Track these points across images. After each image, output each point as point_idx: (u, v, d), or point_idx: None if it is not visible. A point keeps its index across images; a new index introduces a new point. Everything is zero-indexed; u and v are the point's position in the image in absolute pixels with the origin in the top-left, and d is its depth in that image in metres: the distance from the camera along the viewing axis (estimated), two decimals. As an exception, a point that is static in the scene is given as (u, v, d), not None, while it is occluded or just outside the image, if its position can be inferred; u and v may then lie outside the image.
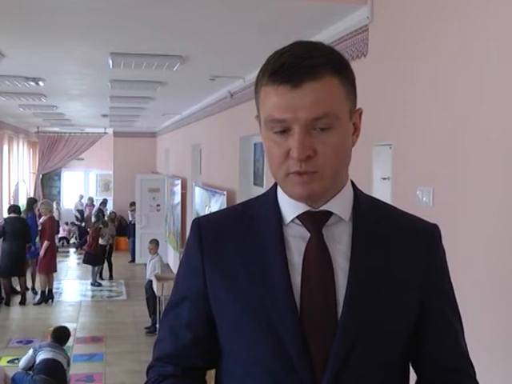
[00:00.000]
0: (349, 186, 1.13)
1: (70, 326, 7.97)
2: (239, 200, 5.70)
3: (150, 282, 7.90)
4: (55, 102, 8.50)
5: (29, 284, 9.59)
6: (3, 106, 8.89)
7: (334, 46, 1.25)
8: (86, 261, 10.91)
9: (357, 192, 1.14)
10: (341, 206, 1.10)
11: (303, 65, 0.98)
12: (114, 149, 15.64)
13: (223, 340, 1.12)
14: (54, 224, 9.95)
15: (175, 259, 10.36)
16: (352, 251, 1.07)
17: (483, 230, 2.16)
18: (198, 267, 1.12)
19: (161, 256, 8.84)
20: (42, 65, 5.30)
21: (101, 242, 10.97)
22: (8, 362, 6.50)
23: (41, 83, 6.11)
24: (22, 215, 9.77)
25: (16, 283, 9.35)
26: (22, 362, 5.06)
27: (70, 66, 5.37)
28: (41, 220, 9.80)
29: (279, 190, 1.12)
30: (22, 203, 12.10)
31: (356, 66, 2.56)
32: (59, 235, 14.54)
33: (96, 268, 10.78)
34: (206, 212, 6.89)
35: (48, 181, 17.51)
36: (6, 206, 12.12)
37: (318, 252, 1.07)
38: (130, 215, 13.72)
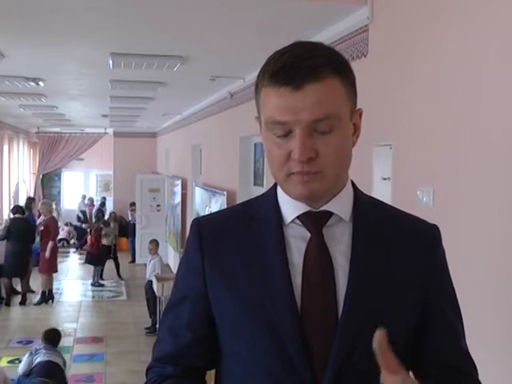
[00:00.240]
0: (349, 187, 1.13)
1: (70, 326, 8.03)
2: (239, 200, 5.69)
3: (150, 282, 7.90)
4: (55, 103, 8.50)
5: (34, 285, 9.56)
6: (3, 106, 8.89)
7: (334, 47, 1.25)
8: (89, 261, 10.90)
9: (357, 192, 1.14)
10: (341, 206, 1.10)
11: (304, 65, 0.98)
12: (114, 149, 15.64)
13: (223, 340, 1.12)
14: (56, 224, 9.96)
15: (175, 259, 10.35)
16: (352, 251, 1.07)
17: (483, 230, 2.16)
18: (197, 267, 1.12)
19: (161, 256, 8.84)
20: (42, 65, 5.30)
21: (105, 242, 10.96)
22: (8, 362, 6.50)
23: (41, 83, 6.11)
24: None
25: (16, 283, 9.35)
26: (22, 368, 5.02)
27: (70, 66, 5.37)
28: (39, 220, 9.79)
29: (279, 190, 1.12)
30: (23, 203, 12.09)
31: (356, 66, 2.56)
32: (59, 236, 14.52)
33: (97, 268, 10.77)
34: (206, 212, 6.89)
35: (48, 181, 17.52)
36: (6, 206, 12.14)
37: (318, 252, 1.07)
38: (130, 215, 13.72)
